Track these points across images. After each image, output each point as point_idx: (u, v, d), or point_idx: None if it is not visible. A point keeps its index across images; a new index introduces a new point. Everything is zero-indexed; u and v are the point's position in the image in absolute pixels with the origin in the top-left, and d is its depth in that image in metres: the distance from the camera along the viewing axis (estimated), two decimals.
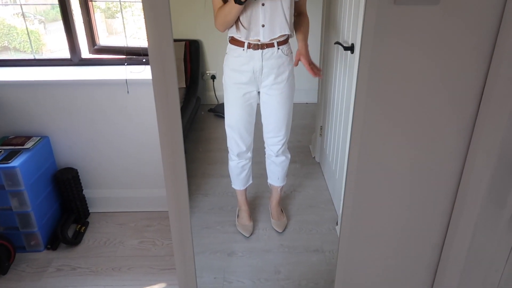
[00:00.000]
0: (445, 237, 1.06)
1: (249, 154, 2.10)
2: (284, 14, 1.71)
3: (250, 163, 2.16)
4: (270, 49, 1.78)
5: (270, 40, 1.75)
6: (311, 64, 1.89)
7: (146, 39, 0.90)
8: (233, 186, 2.25)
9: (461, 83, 0.86)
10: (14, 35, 2.68)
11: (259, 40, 1.74)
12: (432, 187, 1.00)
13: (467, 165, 0.94)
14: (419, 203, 1.03)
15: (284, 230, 2.24)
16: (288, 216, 2.36)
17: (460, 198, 0.98)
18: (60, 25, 2.62)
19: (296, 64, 1.89)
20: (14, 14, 2.76)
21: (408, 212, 1.05)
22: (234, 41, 1.78)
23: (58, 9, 2.62)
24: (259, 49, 1.76)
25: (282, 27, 1.74)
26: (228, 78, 1.88)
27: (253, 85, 1.87)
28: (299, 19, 1.87)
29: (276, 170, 2.21)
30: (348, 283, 1.19)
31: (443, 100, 0.88)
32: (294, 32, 1.86)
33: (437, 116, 0.91)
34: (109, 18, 2.75)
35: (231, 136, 2.02)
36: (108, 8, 2.67)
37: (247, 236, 2.17)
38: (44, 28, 2.90)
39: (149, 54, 0.90)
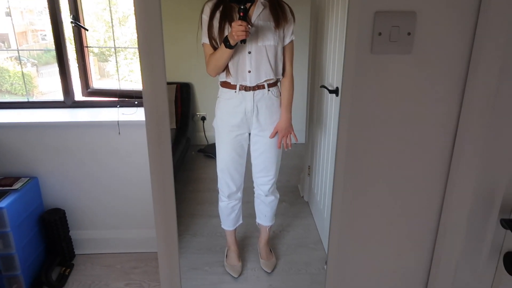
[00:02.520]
0: (429, 275, 1.09)
1: (239, 195, 2.13)
2: (269, 61, 1.81)
3: (240, 203, 2.18)
4: (260, 90, 1.86)
5: (256, 84, 1.84)
6: (286, 140, 1.96)
7: (140, 82, 0.95)
8: (222, 226, 2.25)
9: (434, 125, 0.92)
10: (6, 78, 2.74)
11: (246, 85, 1.83)
12: (414, 227, 1.04)
13: (445, 205, 0.99)
14: (402, 244, 1.07)
15: (273, 270, 2.22)
16: (277, 256, 2.34)
17: (440, 238, 1.02)
18: (52, 68, 2.70)
19: (272, 136, 1.95)
20: (7, 58, 2.83)
21: (391, 253, 1.08)
22: (225, 84, 1.86)
23: (52, 52, 2.72)
24: (251, 91, 1.85)
25: (267, 73, 1.83)
26: (220, 121, 1.94)
27: (244, 127, 1.94)
28: (283, 82, 1.93)
29: (265, 210, 2.23)
30: None
31: (419, 142, 0.95)
32: (279, 99, 1.94)
33: (415, 157, 0.97)
34: (101, 61, 2.84)
35: (223, 178, 2.05)
36: (101, 52, 2.76)
37: (236, 276, 2.14)
38: (37, 71, 2.97)
39: (143, 96, 0.95)
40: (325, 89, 2.19)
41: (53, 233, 2.20)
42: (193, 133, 4.22)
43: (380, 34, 0.82)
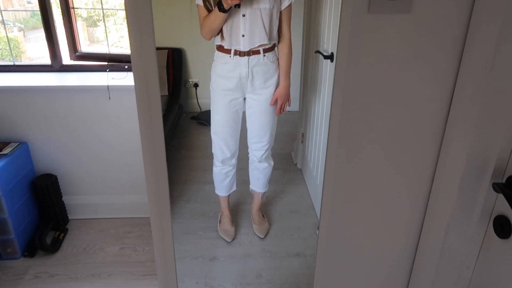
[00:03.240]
0: (419, 238, 1.11)
1: (234, 161, 2.12)
2: (264, 25, 1.76)
3: (234, 170, 2.18)
4: (256, 56, 1.82)
5: (250, 49, 1.79)
6: (283, 106, 1.96)
7: (129, 47, 0.91)
8: (216, 192, 2.26)
9: (431, 88, 0.90)
10: None
11: (240, 50, 1.78)
12: (407, 190, 1.05)
13: (439, 167, 0.98)
14: (395, 206, 1.07)
15: (266, 236, 2.26)
16: (270, 221, 2.38)
17: (432, 201, 1.03)
18: (39, 33, 2.61)
19: (273, 103, 1.94)
20: None
21: (384, 215, 1.09)
22: (220, 48, 1.82)
23: (38, 17, 2.61)
24: (245, 56, 1.80)
25: (261, 38, 1.79)
26: (215, 84, 1.91)
27: (239, 91, 1.90)
28: (281, 48, 1.89)
29: (258, 176, 2.23)
30: (327, 285, 1.21)
31: (415, 106, 0.93)
32: (275, 64, 1.90)
33: (410, 122, 0.95)
34: (90, 26, 2.75)
35: (216, 142, 2.03)
36: (90, 16, 2.67)
37: (229, 241, 2.18)
38: (24, 36, 2.88)
39: (131, 61, 0.92)
40: (320, 55, 2.15)
41: (46, 198, 2.20)
42: (186, 100, 4.16)
43: None
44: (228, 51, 1.80)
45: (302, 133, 2.88)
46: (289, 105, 2.02)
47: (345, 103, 0.91)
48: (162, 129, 1.04)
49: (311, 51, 2.53)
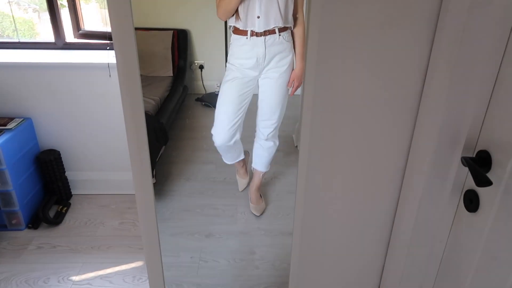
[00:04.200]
0: (395, 214, 1.13)
1: (236, 136, 2.17)
2: (279, 7, 1.80)
3: (238, 142, 2.21)
4: (272, 35, 1.86)
5: (264, 30, 1.83)
6: (299, 86, 2.00)
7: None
8: (224, 160, 2.29)
9: (406, 62, 0.91)
10: (7, 23, 2.69)
11: (254, 30, 1.82)
12: (383, 165, 1.06)
13: (413, 144, 1.00)
14: (371, 184, 1.09)
15: (262, 214, 2.30)
16: (267, 201, 2.42)
17: (407, 176, 1.05)
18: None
19: (290, 85, 1.98)
20: (7, 2, 2.77)
21: (361, 190, 1.11)
22: (237, 30, 1.86)
23: None
24: (262, 36, 1.84)
25: (276, 20, 1.82)
26: (232, 65, 1.95)
27: (256, 70, 1.95)
28: (295, 29, 1.93)
29: (262, 155, 2.28)
30: (303, 263, 1.25)
31: (389, 80, 0.94)
32: (290, 43, 1.93)
33: (385, 96, 0.96)
34: (103, 8, 2.77)
35: (217, 117, 2.07)
36: None
37: (239, 190, 2.27)
38: (38, 17, 2.91)
39: (113, 40, 0.95)
40: None
41: (49, 173, 2.27)
42: (191, 81, 4.18)
43: None
44: (244, 33, 1.84)
45: None
46: (299, 86, 2.07)
47: (318, 72, 0.93)
48: (142, 110, 1.07)
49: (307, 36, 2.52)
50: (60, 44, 2.35)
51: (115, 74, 2.19)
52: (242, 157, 2.30)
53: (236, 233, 2.16)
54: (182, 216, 2.29)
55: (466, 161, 0.84)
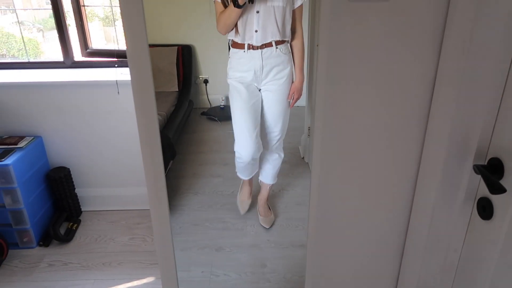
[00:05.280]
0: (408, 223, 1.13)
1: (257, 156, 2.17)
2: (276, 22, 1.84)
3: (257, 159, 2.23)
4: (268, 48, 1.90)
5: (262, 44, 1.87)
6: (298, 98, 2.09)
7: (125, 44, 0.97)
8: (238, 175, 2.29)
9: (413, 74, 0.93)
10: (12, 43, 2.75)
11: (252, 44, 1.86)
12: (395, 176, 1.07)
13: (425, 150, 1.01)
14: (384, 193, 1.10)
15: (271, 226, 2.30)
16: (276, 213, 2.42)
17: (419, 182, 1.05)
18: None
19: (290, 98, 2.05)
20: (12, 23, 2.83)
21: (374, 203, 1.11)
22: (235, 44, 1.90)
23: None
24: (259, 49, 1.88)
25: (273, 34, 1.87)
26: (232, 79, 1.99)
27: (255, 83, 2.00)
28: (293, 43, 1.99)
29: (268, 168, 2.29)
30: (318, 270, 1.25)
31: (399, 92, 0.95)
32: (287, 56, 1.99)
33: (395, 108, 0.98)
34: (107, 26, 2.83)
35: (236, 135, 2.09)
36: (106, 16, 2.74)
37: (241, 213, 2.24)
38: (43, 36, 2.97)
39: (127, 57, 0.97)
40: None
41: (59, 190, 2.29)
42: (196, 96, 4.22)
43: None
44: (242, 46, 1.88)
45: (309, 127, 2.91)
46: (299, 99, 2.10)
47: (328, 91, 0.94)
48: (157, 125, 1.09)
49: (316, 45, 2.56)
50: (68, 63, 2.39)
51: (123, 91, 2.22)
52: (257, 169, 2.31)
53: (246, 246, 2.16)
54: (191, 230, 2.29)
55: (478, 169, 0.85)
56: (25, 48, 2.52)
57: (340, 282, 1.26)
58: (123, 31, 0.95)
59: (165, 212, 1.18)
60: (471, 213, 0.98)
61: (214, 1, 1.84)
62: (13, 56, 2.75)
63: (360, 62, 0.91)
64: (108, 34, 2.89)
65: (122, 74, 2.24)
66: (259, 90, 2.03)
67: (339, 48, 0.90)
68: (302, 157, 3.14)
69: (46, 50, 2.98)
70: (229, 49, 1.95)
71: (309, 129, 2.91)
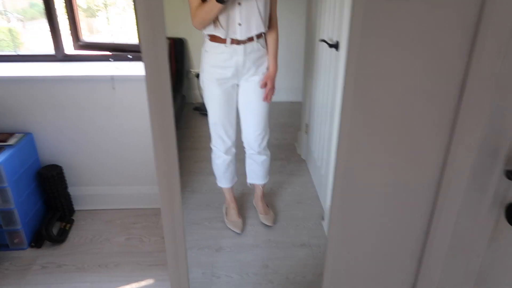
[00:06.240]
0: (429, 225, 1.10)
1: (234, 150, 2.12)
2: (260, 13, 1.76)
3: (235, 160, 2.17)
4: (250, 43, 1.83)
5: (247, 38, 1.79)
6: (272, 89, 1.98)
7: (137, 36, 0.90)
8: (219, 184, 2.25)
9: (444, 75, 0.89)
10: None
11: (237, 38, 1.78)
12: (417, 176, 1.04)
13: (450, 154, 0.98)
14: (404, 192, 1.07)
15: (274, 223, 2.27)
16: (275, 212, 2.38)
17: (444, 187, 1.02)
18: (38, 23, 2.59)
19: (263, 86, 1.95)
20: None
21: (394, 202, 1.08)
22: (215, 38, 1.79)
23: (38, 7, 2.59)
24: (241, 44, 1.80)
25: (258, 26, 1.79)
26: (209, 75, 1.89)
27: (234, 79, 1.91)
28: (269, 32, 1.90)
29: (257, 170, 2.22)
30: (337, 273, 1.22)
31: (427, 93, 0.92)
32: (265, 49, 1.92)
33: (421, 109, 0.94)
34: (89, 17, 2.73)
35: (216, 133, 2.03)
36: (89, 7, 2.64)
37: (239, 232, 2.18)
38: (23, 26, 2.84)
39: (142, 51, 0.91)
40: (325, 43, 2.13)
41: (51, 189, 2.20)
42: (188, 90, 4.14)
43: None
44: (223, 41, 1.78)
45: (306, 124, 2.87)
46: (273, 93, 2.01)
47: (356, 90, 0.90)
48: (173, 119, 1.03)
49: (314, 41, 2.51)
50: (60, 56, 2.29)
51: (118, 86, 2.14)
52: (236, 178, 2.26)
53: (246, 246, 2.12)
54: (190, 229, 2.24)
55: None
56: (13, 40, 2.40)
57: (355, 286, 1.23)
58: (137, 23, 0.88)
59: (179, 213, 1.13)
60: (498, 219, 0.95)
61: None
62: None
63: (389, 60, 0.87)
64: (91, 25, 2.79)
65: (118, 68, 2.15)
66: (237, 85, 1.96)
67: (369, 45, 0.85)
68: (298, 153, 3.11)
69: (26, 41, 2.85)
70: (204, 42, 1.84)
71: (306, 126, 2.88)
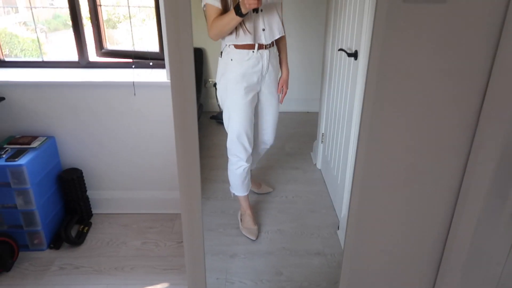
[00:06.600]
0: (448, 232, 1.09)
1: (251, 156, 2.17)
2: (279, 17, 1.86)
3: None
4: (272, 48, 1.92)
5: (271, 42, 1.88)
6: (286, 91, 2.14)
7: (162, 45, 0.93)
8: (237, 194, 2.26)
9: (466, 80, 0.90)
10: (15, 43, 2.72)
11: (262, 43, 1.85)
12: (436, 183, 1.04)
13: (471, 160, 0.97)
14: (423, 199, 1.06)
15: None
16: (290, 220, 2.38)
17: (463, 193, 1.01)
18: (61, 34, 2.69)
19: (280, 91, 2.10)
20: (16, 23, 2.81)
21: (412, 208, 1.08)
22: (241, 46, 1.82)
23: (61, 18, 2.69)
24: (267, 49, 1.88)
25: (279, 30, 1.88)
26: (237, 84, 1.90)
27: (258, 86, 1.97)
28: (281, 39, 1.98)
29: (257, 158, 2.38)
30: (353, 281, 1.21)
31: (448, 98, 0.92)
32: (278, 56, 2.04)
33: (442, 114, 0.95)
34: (110, 28, 2.81)
35: (241, 143, 2.04)
36: (110, 19, 2.72)
37: (254, 239, 2.18)
38: (46, 37, 2.95)
39: (168, 58, 0.94)
40: (343, 54, 2.14)
41: (71, 192, 2.25)
42: (206, 99, 4.19)
43: None
44: (251, 47, 1.83)
45: (322, 133, 2.88)
46: (286, 92, 2.15)
47: (378, 94, 0.91)
48: (196, 126, 1.06)
49: (332, 51, 2.53)
50: (83, 63, 2.36)
51: (139, 92, 2.19)
52: (250, 185, 2.30)
53: (261, 253, 2.12)
54: (205, 235, 2.23)
55: None
56: (40, 47, 2.48)
57: None
58: (166, 32, 0.92)
59: (198, 220, 1.14)
60: None
61: (205, 5, 1.76)
62: (16, 56, 2.71)
63: (411, 64, 0.88)
64: (111, 37, 2.86)
65: (139, 75, 2.20)
66: (258, 92, 2.01)
67: (391, 50, 0.87)
68: (314, 163, 3.11)
69: (49, 51, 2.95)
70: (225, 53, 1.87)
71: (322, 135, 2.88)
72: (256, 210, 2.45)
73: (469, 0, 0.81)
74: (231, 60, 1.87)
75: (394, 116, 0.94)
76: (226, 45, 1.85)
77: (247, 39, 1.80)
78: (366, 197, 1.06)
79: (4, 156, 1.98)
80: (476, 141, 0.95)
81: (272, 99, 2.06)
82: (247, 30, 1.78)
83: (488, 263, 1.02)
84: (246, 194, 2.25)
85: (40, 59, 2.39)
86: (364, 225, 1.11)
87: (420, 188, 1.04)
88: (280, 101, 2.11)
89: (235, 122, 1.99)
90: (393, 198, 1.06)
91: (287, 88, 2.11)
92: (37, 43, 2.69)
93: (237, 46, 1.84)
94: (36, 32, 2.50)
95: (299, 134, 3.64)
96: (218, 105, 3.93)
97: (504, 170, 0.91)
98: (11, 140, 2.14)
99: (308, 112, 4.05)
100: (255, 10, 1.71)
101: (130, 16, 2.32)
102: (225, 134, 2.12)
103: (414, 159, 1.00)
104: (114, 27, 2.79)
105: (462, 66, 0.88)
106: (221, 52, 1.90)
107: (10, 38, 2.72)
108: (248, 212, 2.28)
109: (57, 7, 2.85)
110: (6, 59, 2.37)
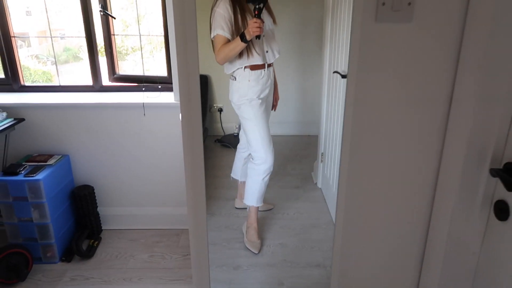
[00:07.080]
0: (428, 229, 1.20)
1: None
2: (276, 41, 2.14)
3: None
4: (272, 66, 2.20)
5: (272, 61, 2.17)
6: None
7: (170, 71, 1.09)
8: (256, 204, 2.34)
9: (433, 87, 1.03)
10: (27, 75, 2.92)
11: (268, 63, 2.13)
12: (415, 185, 1.15)
13: (443, 160, 1.10)
14: (404, 198, 1.18)
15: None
16: (293, 234, 2.47)
17: (439, 191, 1.13)
18: (71, 66, 2.92)
19: (276, 102, 2.43)
20: (28, 56, 3.03)
21: (396, 211, 1.19)
22: (256, 66, 2.09)
23: (70, 51, 2.93)
24: (271, 66, 2.18)
25: (277, 50, 2.17)
26: (256, 101, 2.14)
27: (268, 96, 2.24)
28: None
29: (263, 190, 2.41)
30: (343, 282, 1.31)
31: (419, 102, 1.06)
32: None
33: (416, 119, 1.08)
34: (119, 60, 3.01)
35: (263, 146, 2.19)
36: (119, 51, 2.93)
37: (256, 252, 2.27)
38: (56, 69, 3.16)
39: (179, 82, 1.09)
40: (338, 75, 2.30)
41: (83, 207, 2.37)
42: (211, 124, 4.37)
43: (383, 4, 0.94)
44: (262, 66, 2.11)
45: (322, 153, 3.00)
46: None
47: (357, 99, 1.05)
48: (202, 147, 1.19)
49: (329, 73, 2.70)
50: (97, 87, 2.54)
51: (149, 113, 2.35)
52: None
53: (263, 265, 2.20)
54: (210, 249, 2.31)
55: (495, 171, 0.94)
56: (57, 73, 2.67)
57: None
58: (176, 56, 1.07)
59: (204, 234, 1.26)
60: (488, 216, 1.05)
61: (214, 36, 2.01)
62: None
63: (385, 75, 1.03)
64: (120, 68, 3.06)
65: (148, 97, 2.37)
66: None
67: (365, 64, 1.01)
68: (315, 182, 3.22)
69: (60, 81, 3.14)
70: (240, 77, 2.10)
71: (322, 155, 3.00)
72: (259, 225, 2.54)
73: (431, 19, 0.96)
74: (249, 81, 2.11)
75: (371, 117, 1.08)
76: (239, 68, 2.06)
77: (258, 60, 2.07)
78: (352, 198, 1.17)
79: (22, 172, 2.13)
80: (447, 140, 1.07)
81: (270, 106, 2.35)
82: (257, 52, 2.03)
83: (465, 253, 1.12)
84: (261, 205, 2.35)
85: (57, 84, 2.57)
86: (351, 224, 1.21)
87: (402, 190, 1.16)
88: (274, 109, 2.41)
89: (259, 130, 2.18)
90: (377, 200, 1.17)
91: (278, 97, 2.42)
92: (46, 76, 2.90)
93: (252, 68, 2.06)
94: (46, 65, 2.70)
95: (300, 156, 3.77)
96: (222, 129, 4.07)
97: (472, 165, 1.03)
98: (29, 158, 2.29)
99: (309, 135, 4.20)
100: (258, 37, 1.90)
101: (141, 47, 2.51)
102: (228, 156, 2.26)
103: (393, 165, 1.12)
104: (122, 59, 2.99)
105: (430, 73, 1.02)
106: (233, 76, 2.13)
107: (22, 70, 2.92)
108: (254, 226, 2.37)
109: (71, 36, 3.06)
110: (26, 84, 2.56)
